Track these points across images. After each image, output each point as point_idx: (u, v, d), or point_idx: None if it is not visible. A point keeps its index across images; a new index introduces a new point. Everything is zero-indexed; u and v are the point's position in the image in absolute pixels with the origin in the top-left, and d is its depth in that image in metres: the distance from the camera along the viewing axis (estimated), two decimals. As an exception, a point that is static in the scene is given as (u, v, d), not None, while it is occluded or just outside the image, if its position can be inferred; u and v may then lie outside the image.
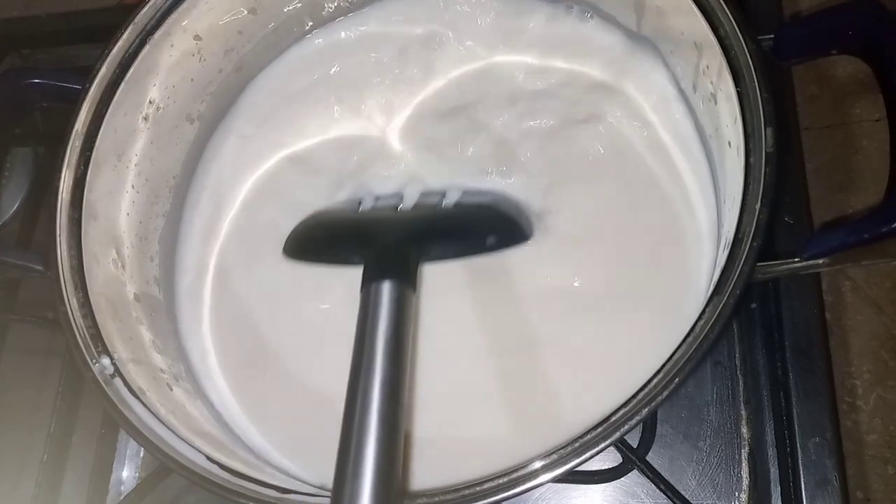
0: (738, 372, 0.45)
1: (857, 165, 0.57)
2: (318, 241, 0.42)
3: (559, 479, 0.41)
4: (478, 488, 0.30)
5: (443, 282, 0.40)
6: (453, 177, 0.43)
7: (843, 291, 0.54)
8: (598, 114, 0.43)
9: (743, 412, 0.44)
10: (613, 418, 0.30)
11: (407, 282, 0.36)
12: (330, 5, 0.46)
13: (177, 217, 0.45)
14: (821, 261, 0.31)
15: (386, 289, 0.34)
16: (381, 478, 0.29)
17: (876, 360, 0.52)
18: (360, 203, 0.42)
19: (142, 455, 0.49)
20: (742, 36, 0.33)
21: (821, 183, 0.56)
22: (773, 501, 0.41)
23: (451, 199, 0.41)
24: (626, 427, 0.29)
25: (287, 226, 0.44)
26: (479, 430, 0.38)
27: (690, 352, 0.29)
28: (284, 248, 0.42)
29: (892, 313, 0.52)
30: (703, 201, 0.39)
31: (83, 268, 0.37)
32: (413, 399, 0.39)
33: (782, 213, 0.45)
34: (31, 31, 0.57)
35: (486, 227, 0.39)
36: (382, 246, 0.38)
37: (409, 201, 0.41)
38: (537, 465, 0.30)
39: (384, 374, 0.31)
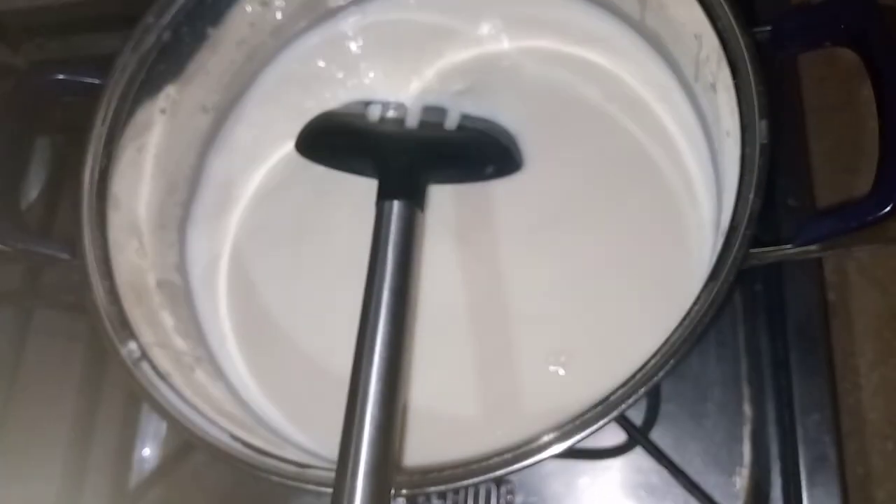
0: (741, 352, 0.46)
1: (865, 146, 0.57)
2: (332, 145, 0.45)
3: (564, 455, 0.43)
4: (485, 463, 0.32)
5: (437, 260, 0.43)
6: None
7: (847, 272, 0.55)
8: (601, 102, 0.44)
9: (745, 391, 0.45)
10: (612, 397, 0.31)
11: (416, 202, 0.40)
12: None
13: (192, 205, 0.47)
14: (813, 247, 0.32)
15: (397, 208, 0.39)
16: (383, 394, 0.34)
17: (879, 339, 0.53)
18: (366, 106, 0.45)
19: (164, 435, 0.50)
20: (738, 29, 0.34)
21: (828, 164, 0.57)
22: (773, 476, 0.43)
23: (452, 121, 0.44)
24: (624, 405, 0.31)
25: (300, 211, 0.45)
26: (477, 405, 0.40)
27: (686, 334, 0.31)
28: (297, 144, 0.45)
29: (896, 294, 0.53)
30: (706, 189, 0.40)
31: (109, 257, 0.38)
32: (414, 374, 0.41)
33: (786, 197, 0.45)
34: (44, 20, 0.58)
35: (485, 154, 0.43)
36: (394, 165, 0.42)
37: (413, 116, 0.45)
38: (542, 440, 0.32)
39: (393, 281, 0.37)
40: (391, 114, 0.45)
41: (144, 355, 0.37)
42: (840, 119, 0.57)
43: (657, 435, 0.44)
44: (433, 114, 0.45)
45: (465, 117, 0.44)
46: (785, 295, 0.44)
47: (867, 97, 0.58)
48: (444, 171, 0.43)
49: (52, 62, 0.55)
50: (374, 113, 0.45)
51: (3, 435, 0.50)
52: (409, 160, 0.42)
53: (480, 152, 0.43)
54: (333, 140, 0.45)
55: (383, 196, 0.40)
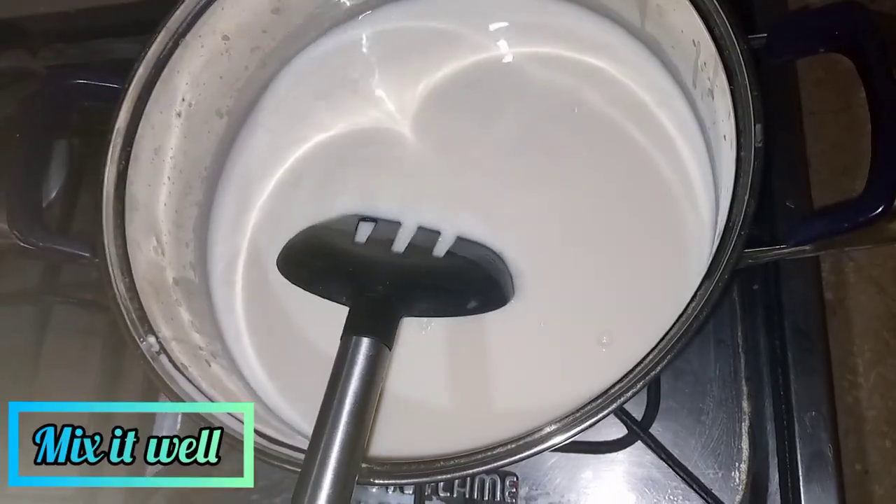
0: (740, 350, 0.47)
1: (862, 149, 0.58)
2: (310, 268, 0.43)
3: (566, 449, 0.44)
4: (489, 453, 0.33)
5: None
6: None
7: (845, 272, 0.56)
8: (603, 107, 0.45)
9: (744, 388, 0.46)
10: (612, 391, 0.33)
11: (386, 339, 0.37)
12: (353, 2, 0.49)
13: (209, 206, 0.48)
14: (807, 247, 0.33)
15: (364, 345, 0.36)
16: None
17: (877, 338, 0.54)
18: (357, 222, 0.43)
19: (179, 428, 0.52)
20: (735, 36, 0.35)
21: (826, 166, 0.58)
22: (770, 472, 0.44)
23: (443, 247, 0.42)
24: (623, 399, 0.32)
25: (314, 213, 0.47)
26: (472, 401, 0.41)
27: (682, 331, 0.32)
28: (277, 263, 0.44)
29: (893, 293, 0.53)
30: (704, 191, 0.41)
31: (128, 255, 0.40)
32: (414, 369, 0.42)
33: (784, 198, 0.46)
34: (63, 26, 0.60)
35: (470, 289, 0.41)
36: (368, 296, 0.39)
37: (404, 237, 0.42)
38: (544, 431, 0.33)
39: (345, 431, 0.34)
40: (379, 232, 0.43)
41: (163, 349, 0.38)
42: (837, 122, 0.58)
43: (657, 430, 0.46)
44: (426, 237, 0.43)
45: (459, 241, 0.43)
46: (783, 294, 0.45)
47: (864, 100, 0.59)
48: (422, 303, 0.41)
49: (72, 67, 0.56)
50: (364, 232, 0.43)
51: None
52: (385, 292, 0.39)
53: (465, 284, 0.41)
54: (313, 260, 0.43)
55: (350, 330, 0.37)
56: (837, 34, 0.35)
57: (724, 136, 0.37)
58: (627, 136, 0.44)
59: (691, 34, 0.38)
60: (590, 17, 0.46)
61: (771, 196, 0.45)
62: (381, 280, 0.40)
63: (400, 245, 0.42)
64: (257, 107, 0.49)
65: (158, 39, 0.42)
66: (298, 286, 0.43)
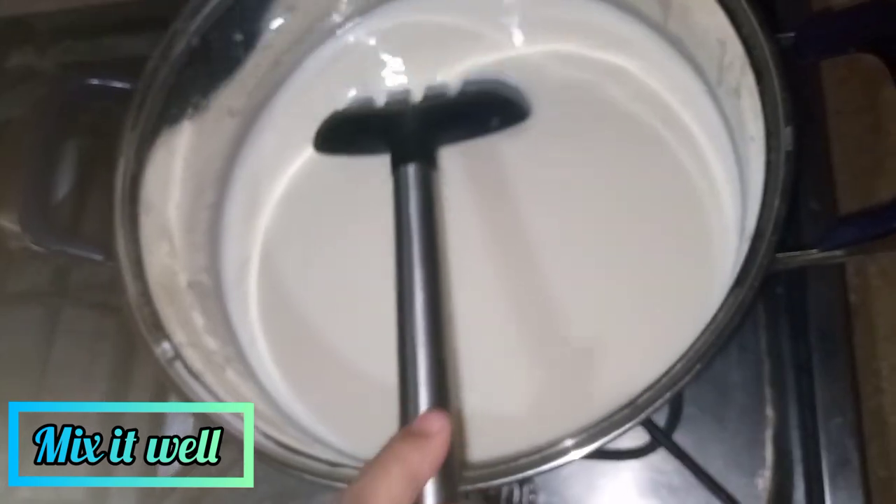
0: (764, 355, 0.46)
1: (886, 149, 0.57)
2: (346, 135, 0.47)
3: (587, 456, 0.43)
4: (512, 464, 0.33)
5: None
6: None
7: (869, 275, 0.55)
8: (625, 105, 0.44)
9: (767, 394, 0.45)
10: (639, 401, 0.32)
11: (428, 163, 0.42)
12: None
13: (220, 208, 0.48)
14: (838, 252, 0.33)
15: (411, 171, 0.41)
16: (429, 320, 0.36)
17: (901, 343, 0.53)
18: (372, 100, 0.48)
19: (190, 430, 0.51)
20: (763, 35, 0.34)
21: (849, 166, 0.57)
22: (795, 480, 0.43)
23: (454, 90, 0.46)
24: (650, 409, 0.31)
25: (327, 216, 0.46)
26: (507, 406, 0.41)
27: (712, 340, 0.31)
28: (315, 144, 0.47)
29: (918, 297, 0.53)
30: (730, 192, 0.41)
31: (141, 259, 0.39)
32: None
33: (808, 199, 0.46)
34: (71, 23, 0.60)
35: (490, 108, 0.45)
36: (404, 134, 0.44)
37: (416, 94, 0.47)
38: (568, 443, 0.32)
39: (420, 235, 0.39)
40: (394, 97, 0.47)
41: (178, 355, 0.38)
42: (861, 121, 0.57)
43: (680, 437, 0.45)
44: (435, 89, 0.47)
45: (466, 83, 0.47)
46: (807, 298, 0.44)
47: (888, 99, 0.59)
48: (451, 131, 0.45)
49: (84, 67, 0.56)
50: (380, 101, 0.47)
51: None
52: (417, 127, 0.44)
53: (484, 108, 0.46)
54: (347, 130, 0.47)
55: (397, 163, 0.42)
56: (868, 34, 0.34)
57: (752, 138, 0.36)
58: (650, 134, 0.43)
59: (717, 33, 0.38)
60: (611, 13, 0.45)
61: (795, 197, 0.44)
62: (410, 120, 0.45)
63: (416, 97, 0.47)
64: (269, 106, 0.49)
65: (171, 40, 0.42)
66: (341, 154, 0.47)
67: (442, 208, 0.44)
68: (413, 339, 0.35)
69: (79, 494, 0.49)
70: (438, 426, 0.28)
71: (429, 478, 0.27)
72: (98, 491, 0.49)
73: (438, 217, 0.41)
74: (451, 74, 0.47)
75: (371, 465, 0.27)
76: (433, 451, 0.27)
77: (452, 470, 0.31)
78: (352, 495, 0.25)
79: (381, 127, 0.46)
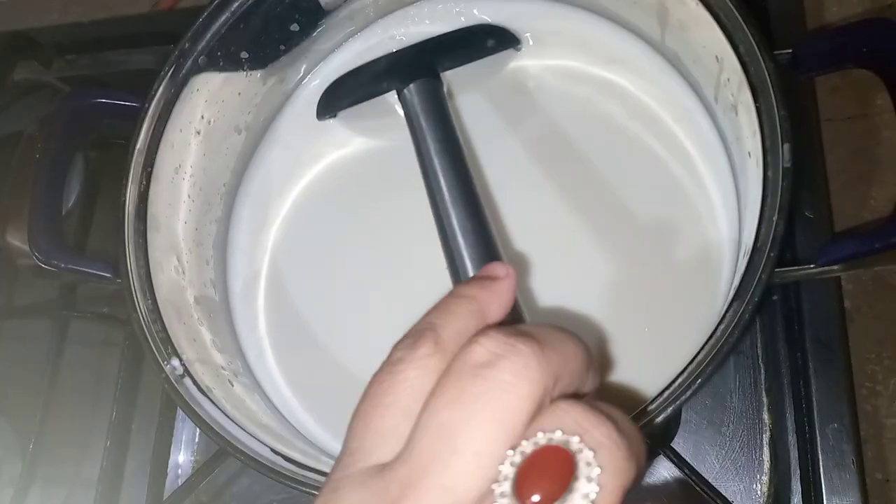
0: (760, 361, 0.47)
1: (879, 156, 0.58)
2: (347, 87, 0.47)
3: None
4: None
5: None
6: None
7: (864, 280, 0.56)
8: (622, 120, 0.44)
9: (764, 399, 0.46)
10: (641, 417, 0.32)
11: (433, 76, 0.43)
12: (369, 11, 0.49)
13: (228, 222, 0.48)
14: (835, 267, 0.33)
15: (415, 86, 0.42)
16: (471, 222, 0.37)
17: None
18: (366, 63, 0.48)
19: (197, 441, 0.52)
20: (761, 53, 0.35)
21: (843, 174, 0.58)
22: (792, 484, 0.43)
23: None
24: (652, 425, 0.32)
25: (334, 227, 0.47)
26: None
27: (712, 354, 0.32)
28: (318, 111, 0.48)
29: (912, 301, 0.53)
30: (725, 206, 0.41)
31: (150, 276, 0.40)
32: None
33: (802, 208, 0.46)
34: (74, 37, 0.59)
35: (481, 32, 0.47)
36: (403, 64, 0.45)
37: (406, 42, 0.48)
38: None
39: (436, 137, 0.40)
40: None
41: (187, 372, 0.38)
42: (853, 129, 0.58)
43: (677, 443, 0.45)
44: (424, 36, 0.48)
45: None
46: (803, 304, 0.44)
47: (881, 107, 0.59)
48: (450, 54, 0.46)
49: (88, 81, 0.56)
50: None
51: (42, 442, 0.52)
52: (417, 52, 0.46)
53: (476, 31, 0.47)
54: (349, 82, 0.47)
55: (402, 86, 0.43)
56: (865, 50, 0.34)
57: (749, 154, 0.37)
58: (646, 149, 0.44)
59: (714, 50, 0.38)
60: (609, 28, 0.46)
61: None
62: (410, 50, 0.46)
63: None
64: (275, 123, 0.49)
65: (177, 57, 0.42)
66: (346, 105, 0.48)
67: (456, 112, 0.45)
68: (450, 221, 0.37)
69: (88, 499, 0.49)
70: (503, 271, 0.26)
71: (497, 319, 0.24)
72: (107, 495, 0.49)
73: (453, 117, 0.42)
74: (451, 92, 0.47)
75: (439, 303, 0.24)
76: (501, 291, 0.25)
77: (521, 311, 0.32)
78: (418, 327, 0.23)
79: (382, 65, 0.47)
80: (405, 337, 0.23)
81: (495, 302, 0.24)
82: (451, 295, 0.25)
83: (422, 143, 0.40)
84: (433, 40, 0.46)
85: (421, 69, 0.44)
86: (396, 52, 0.47)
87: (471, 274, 0.35)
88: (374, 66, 0.47)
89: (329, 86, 0.48)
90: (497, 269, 0.26)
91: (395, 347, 0.23)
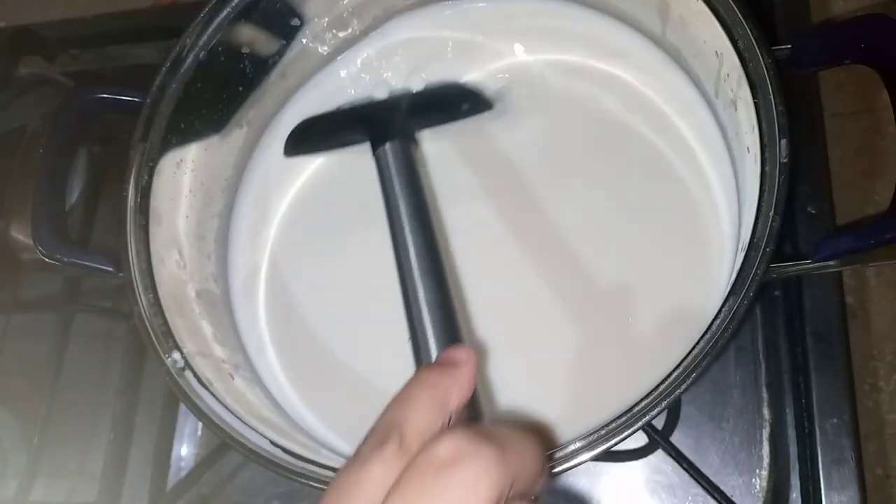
0: (761, 356, 0.47)
1: (884, 151, 0.58)
2: (319, 131, 0.47)
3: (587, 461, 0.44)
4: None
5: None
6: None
7: (867, 276, 0.56)
8: (624, 115, 0.45)
9: (764, 395, 0.46)
10: (636, 409, 0.33)
11: (407, 138, 0.43)
12: (370, 14, 0.49)
13: (230, 216, 0.49)
14: (832, 262, 0.33)
15: (390, 147, 0.41)
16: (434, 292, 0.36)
17: (898, 342, 0.54)
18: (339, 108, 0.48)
19: (199, 434, 0.53)
20: (759, 49, 0.35)
21: (847, 168, 0.58)
22: (791, 479, 0.44)
23: (419, 87, 0.47)
24: (648, 417, 0.32)
25: (335, 222, 0.47)
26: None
27: (707, 349, 0.32)
28: (285, 150, 0.47)
29: (915, 297, 0.53)
30: (726, 201, 0.41)
31: (152, 270, 0.40)
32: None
33: (804, 204, 0.46)
34: (79, 32, 0.60)
35: (458, 95, 0.47)
36: (378, 119, 0.44)
37: (383, 91, 0.47)
38: (568, 450, 0.33)
39: (408, 203, 0.39)
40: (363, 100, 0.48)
41: (188, 365, 0.38)
42: (858, 124, 0.57)
43: (678, 437, 0.45)
44: (400, 90, 0.48)
45: (429, 83, 0.48)
46: (804, 299, 0.44)
47: (886, 102, 0.59)
48: (425, 115, 0.46)
49: (92, 76, 0.57)
50: (347, 105, 0.48)
51: (47, 434, 0.52)
52: (393, 111, 0.45)
53: (453, 95, 0.47)
54: (320, 126, 0.47)
55: (376, 144, 0.42)
56: (864, 46, 0.34)
57: (748, 149, 0.37)
58: (648, 145, 0.44)
59: (714, 45, 0.38)
60: (610, 23, 0.46)
61: (791, 202, 0.45)
62: (383, 108, 0.46)
63: (383, 95, 0.48)
64: (277, 117, 0.50)
65: (178, 53, 0.42)
66: (314, 152, 0.47)
67: (428, 177, 0.45)
68: (416, 293, 0.36)
69: (91, 496, 0.50)
70: (465, 356, 0.27)
71: (457, 406, 0.25)
72: (111, 488, 0.50)
73: (425, 184, 0.42)
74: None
75: (400, 394, 0.25)
76: (461, 377, 0.26)
77: (479, 403, 0.32)
78: (384, 424, 0.24)
79: (356, 115, 0.46)
80: (372, 434, 0.24)
81: (456, 389, 0.26)
82: (414, 384, 0.26)
83: (393, 209, 0.39)
84: (410, 98, 0.46)
85: (397, 128, 0.43)
86: (371, 104, 0.47)
87: (433, 351, 0.35)
88: (347, 115, 0.46)
89: (298, 126, 0.47)
90: (459, 354, 0.27)
91: (362, 445, 0.24)
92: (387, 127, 0.43)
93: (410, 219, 0.38)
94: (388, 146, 0.41)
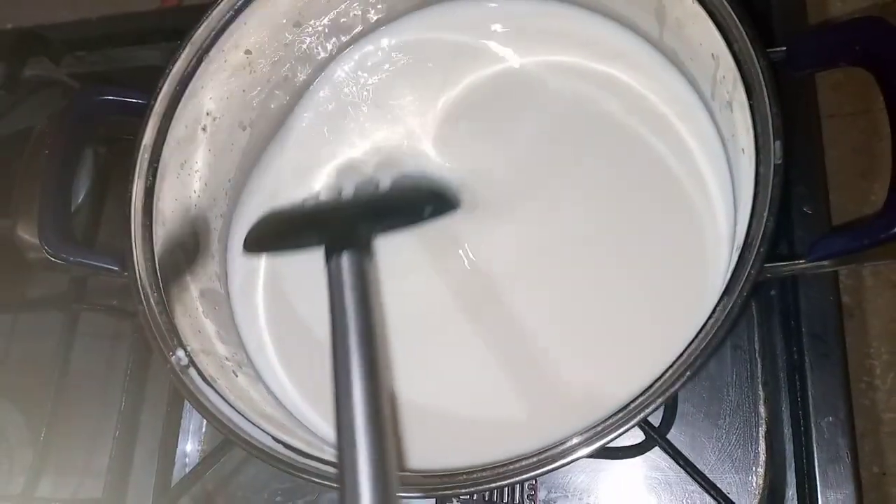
0: (757, 355, 0.47)
1: (881, 152, 0.58)
2: (277, 232, 0.45)
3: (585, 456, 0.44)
4: (511, 467, 0.34)
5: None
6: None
7: (863, 275, 0.56)
8: (622, 116, 0.45)
9: (761, 393, 0.47)
10: (632, 406, 0.33)
11: (363, 250, 0.40)
12: (370, 16, 0.49)
13: (232, 217, 0.49)
14: (826, 262, 0.34)
15: (345, 259, 0.39)
16: (370, 419, 0.33)
17: (894, 341, 0.54)
18: (303, 201, 0.47)
19: (204, 430, 0.53)
20: (754, 51, 0.35)
21: (845, 169, 0.58)
22: (787, 477, 0.44)
23: (385, 185, 0.45)
24: (643, 414, 0.32)
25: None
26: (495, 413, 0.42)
27: (701, 347, 0.32)
28: (244, 246, 0.45)
29: (911, 296, 0.54)
30: (723, 202, 0.42)
31: (156, 270, 0.41)
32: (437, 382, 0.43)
33: (801, 204, 0.46)
34: (84, 34, 0.61)
35: (421, 197, 0.44)
36: (336, 225, 0.42)
37: (347, 191, 0.46)
38: (564, 446, 0.34)
39: (358, 329, 0.36)
40: (325, 196, 0.47)
41: (192, 362, 0.39)
42: (856, 125, 0.58)
43: (674, 435, 0.46)
44: (367, 184, 0.46)
45: (398, 178, 0.46)
46: (800, 299, 0.45)
47: (884, 104, 0.59)
48: (385, 220, 0.43)
49: (97, 78, 0.57)
50: (310, 201, 0.46)
51: (53, 431, 0.53)
52: (351, 217, 0.42)
53: (417, 197, 0.44)
54: (278, 226, 0.45)
55: (330, 253, 0.39)
56: (858, 49, 0.35)
57: (743, 150, 0.37)
58: (646, 146, 0.44)
59: (710, 48, 0.38)
60: (608, 26, 0.46)
61: (788, 202, 0.45)
62: (343, 211, 0.44)
63: (348, 192, 0.45)
64: (283, 120, 0.50)
65: (183, 56, 0.43)
66: (270, 252, 0.46)
67: (379, 294, 0.44)
68: (352, 436, 0.32)
69: (97, 492, 0.51)
70: None
71: None
72: (116, 484, 0.51)
73: (376, 305, 0.39)
74: (454, 90, 0.48)
75: None
76: None
77: None
78: None
79: (313, 219, 0.44)
80: None
81: None
82: None
83: (338, 324, 0.37)
84: (371, 201, 0.44)
85: (354, 236, 0.41)
86: (332, 206, 0.45)
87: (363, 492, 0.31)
88: (306, 217, 0.44)
89: (255, 224, 0.45)
90: None
91: None
92: (343, 236, 0.40)
93: (358, 336, 0.36)
94: (343, 258, 0.38)
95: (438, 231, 0.45)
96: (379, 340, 0.37)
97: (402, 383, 0.43)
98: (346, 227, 0.41)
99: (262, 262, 0.48)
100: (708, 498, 0.44)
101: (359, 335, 0.36)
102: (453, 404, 0.42)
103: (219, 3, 0.43)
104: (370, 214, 0.43)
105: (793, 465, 0.44)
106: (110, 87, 0.45)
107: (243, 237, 0.45)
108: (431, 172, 0.47)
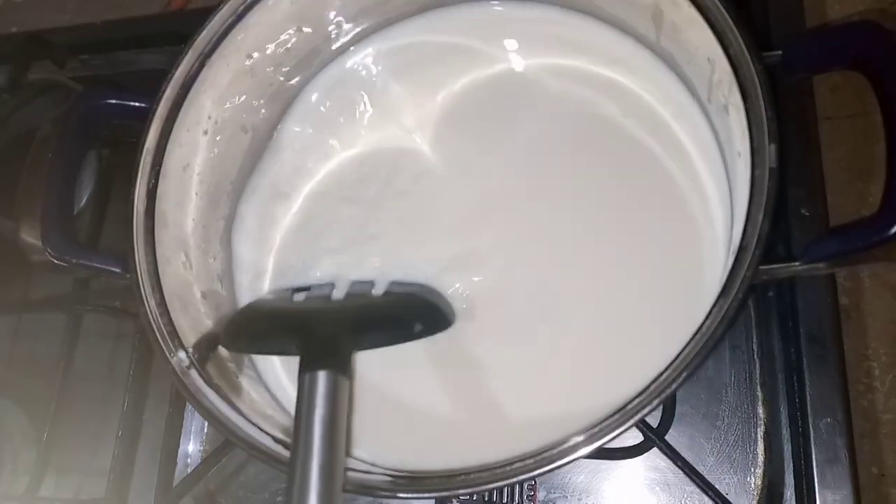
0: (755, 356, 0.48)
1: (879, 154, 0.58)
2: (255, 332, 0.43)
3: (583, 457, 0.45)
4: (508, 468, 0.34)
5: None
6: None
7: (861, 277, 0.56)
8: (619, 119, 0.45)
9: (759, 393, 0.47)
10: (629, 406, 0.33)
11: (340, 370, 0.37)
12: (371, 19, 0.50)
13: (235, 218, 0.49)
14: (820, 265, 0.34)
15: (320, 379, 0.36)
16: None
17: (892, 342, 0.55)
18: (292, 293, 0.45)
19: (205, 431, 0.54)
20: (749, 55, 0.36)
21: (842, 171, 0.58)
22: (786, 477, 0.44)
23: (380, 289, 0.44)
24: (640, 415, 0.33)
25: (339, 226, 0.48)
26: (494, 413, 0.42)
27: (698, 348, 0.33)
28: (222, 340, 0.43)
29: (909, 298, 0.54)
30: (720, 204, 0.42)
31: (158, 272, 0.41)
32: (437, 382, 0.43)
33: (798, 206, 0.46)
34: (88, 38, 0.61)
35: (413, 314, 0.42)
36: (316, 337, 0.39)
37: (340, 290, 0.44)
38: (561, 447, 0.34)
39: (321, 463, 0.34)
40: (315, 292, 0.45)
41: (193, 363, 0.39)
42: (853, 127, 0.58)
43: (673, 435, 0.46)
44: (361, 287, 0.44)
45: (393, 284, 0.44)
46: (798, 300, 0.45)
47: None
48: (370, 333, 0.42)
49: (102, 86, 0.58)
50: (300, 297, 0.45)
51: (56, 431, 0.53)
52: (333, 328, 0.40)
53: (407, 311, 0.42)
54: (256, 324, 0.43)
55: (305, 367, 0.37)
56: (854, 53, 0.35)
57: (739, 153, 0.38)
58: (643, 148, 0.44)
59: (706, 51, 0.39)
60: (605, 30, 0.47)
61: (785, 204, 0.46)
62: (325, 321, 0.41)
63: (339, 295, 0.44)
64: (282, 122, 0.50)
65: (185, 60, 0.43)
66: (248, 352, 0.44)
67: (350, 417, 0.42)
68: None
69: (99, 492, 0.51)
70: None
71: None
72: (119, 484, 0.51)
73: (343, 431, 0.36)
74: (452, 93, 0.49)
75: None
76: None
77: None
78: None
79: (294, 324, 0.41)
80: None
81: None
82: None
83: (300, 452, 0.35)
84: (358, 310, 0.42)
85: (333, 353, 0.38)
86: (317, 310, 0.43)
87: None
88: (288, 319, 0.42)
89: (235, 316, 0.44)
90: None
91: None
92: (322, 351, 0.38)
93: (316, 481, 0.34)
94: (318, 378, 0.36)
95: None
96: (341, 470, 0.35)
97: (403, 383, 0.44)
98: (328, 338, 0.39)
99: (270, 260, 0.48)
100: (706, 498, 0.44)
101: (321, 469, 0.34)
102: (453, 405, 0.43)
103: (221, 8, 0.44)
104: (356, 326, 0.41)
105: (791, 465, 0.44)
106: (114, 91, 0.45)
107: (227, 328, 0.43)
108: (429, 283, 0.44)
